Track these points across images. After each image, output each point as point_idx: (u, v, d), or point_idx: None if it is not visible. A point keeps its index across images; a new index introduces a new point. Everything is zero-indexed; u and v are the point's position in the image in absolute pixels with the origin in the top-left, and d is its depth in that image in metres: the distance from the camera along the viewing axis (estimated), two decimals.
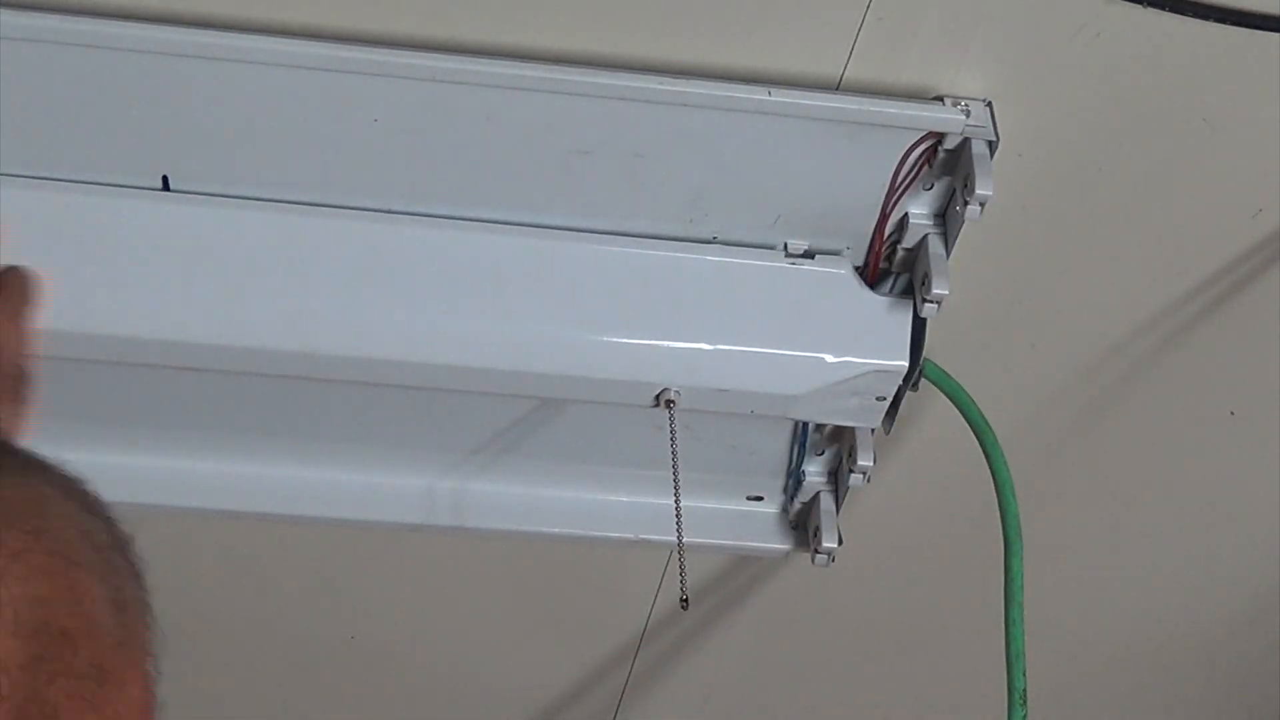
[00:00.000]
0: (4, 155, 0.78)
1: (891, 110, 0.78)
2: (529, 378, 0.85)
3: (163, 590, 0.50)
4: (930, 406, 0.92)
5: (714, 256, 0.85)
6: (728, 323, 0.85)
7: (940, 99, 0.79)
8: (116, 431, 0.94)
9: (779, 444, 0.96)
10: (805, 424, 0.93)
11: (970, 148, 0.79)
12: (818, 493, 0.97)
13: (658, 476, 0.94)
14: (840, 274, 0.85)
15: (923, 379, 0.87)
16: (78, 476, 0.48)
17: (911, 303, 0.85)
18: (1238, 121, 0.83)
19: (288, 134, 0.78)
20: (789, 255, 0.85)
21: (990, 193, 0.78)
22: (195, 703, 1.15)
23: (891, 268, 0.86)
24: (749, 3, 0.76)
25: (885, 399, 0.87)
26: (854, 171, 0.81)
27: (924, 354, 0.86)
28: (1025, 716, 0.83)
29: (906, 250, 0.84)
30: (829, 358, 0.85)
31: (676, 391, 0.85)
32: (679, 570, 0.86)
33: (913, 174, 0.81)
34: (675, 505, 0.86)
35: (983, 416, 0.86)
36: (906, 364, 0.85)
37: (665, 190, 0.82)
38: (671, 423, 0.86)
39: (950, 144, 0.79)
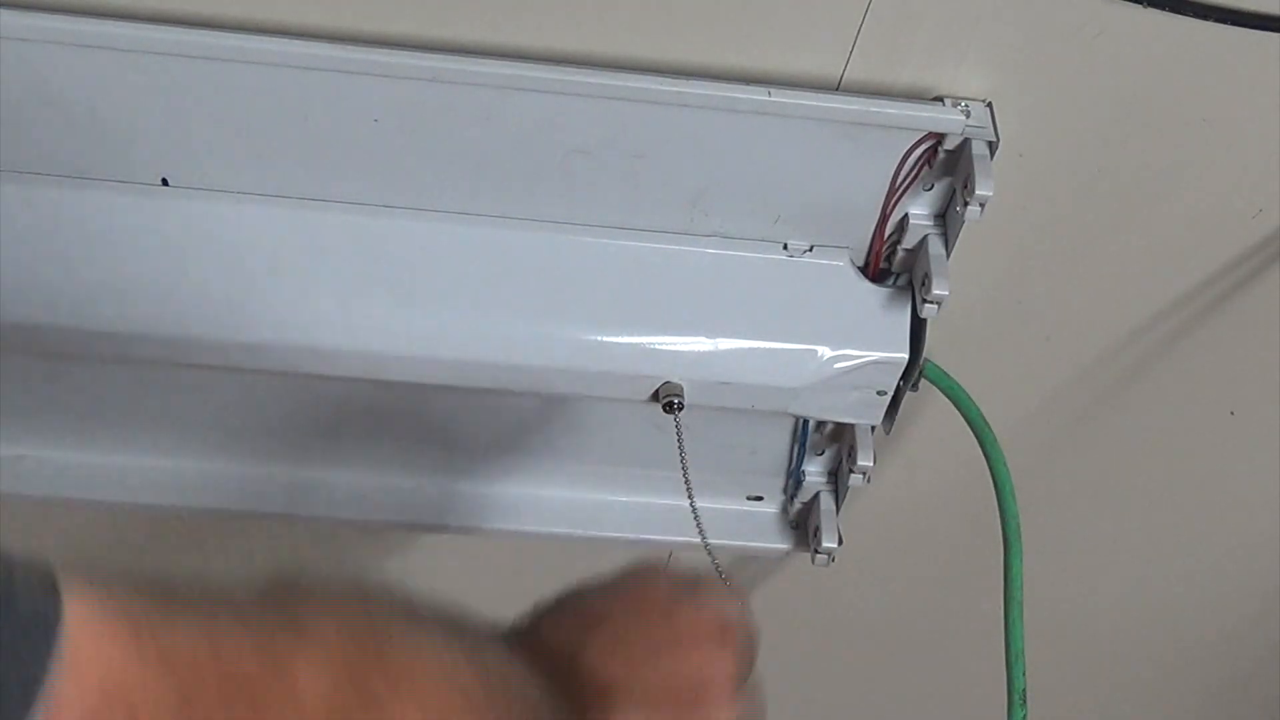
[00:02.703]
0: (4, 156, 0.78)
1: (891, 110, 0.77)
2: (529, 371, 0.84)
3: None
4: (930, 406, 0.92)
5: (712, 249, 0.85)
6: (726, 316, 0.85)
7: (940, 99, 0.79)
8: (119, 432, 0.94)
9: (779, 444, 0.96)
10: (805, 423, 0.93)
11: (970, 148, 0.78)
12: (818, 493, 0.97)
13: (658, 476, 0.94)
14: (839, 266, 0.85)
15: (923, 379, 0.87)
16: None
17: (910, 294, 0.85)
18: (1238, 121, 0.83)
19: (288, 134, 0.78)
20: (790, 255, 0.85)
21: (990, 193, 0.78)
22: None
23: (892, 268, 0.86)
24: (749, 3, 0.76)
25: (886, 393, 0.87)
26: (854, 172, 0.81)
27: (924, 354, 0.86)
28: (1025, 716, 0.83)
29: (907, 251, 0.84)
30: (829, 350, 0.85)
31: (680, 392, 0.85)
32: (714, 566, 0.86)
33: (913, 174, 0.81)
34: (690, 506, 0.87)
35: (983, 416, 0.86)
36: (907, 355, 0.85)
37: (665, 191, 0.82)
38: (678, 426, 0.85)
39: (950, 144, 0.79)
